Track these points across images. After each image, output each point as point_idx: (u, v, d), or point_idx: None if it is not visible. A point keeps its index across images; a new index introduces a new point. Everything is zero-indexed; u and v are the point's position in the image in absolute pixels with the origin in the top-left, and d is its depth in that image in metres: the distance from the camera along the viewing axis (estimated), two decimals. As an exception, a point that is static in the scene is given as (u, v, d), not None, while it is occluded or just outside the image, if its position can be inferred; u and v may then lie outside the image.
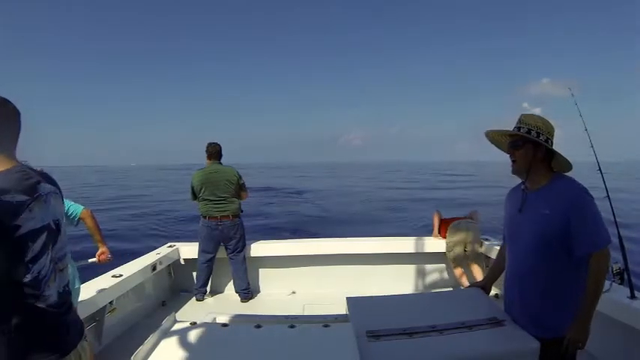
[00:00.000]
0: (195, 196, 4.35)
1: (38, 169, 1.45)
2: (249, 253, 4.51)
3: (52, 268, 1.32)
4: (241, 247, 4.38)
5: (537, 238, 1.72)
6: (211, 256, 4.33)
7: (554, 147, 1.76)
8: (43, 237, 1.29)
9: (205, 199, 4.28)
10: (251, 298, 4.40)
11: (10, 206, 1.20)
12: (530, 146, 1.76)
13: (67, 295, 1.40)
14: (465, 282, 4.15)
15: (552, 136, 1.78)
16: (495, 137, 1.94)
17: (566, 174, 1.81)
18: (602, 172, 2.46)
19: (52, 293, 1.30)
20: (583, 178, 1.81)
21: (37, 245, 1.26)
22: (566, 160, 1.77)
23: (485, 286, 2.10)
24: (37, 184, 1.34)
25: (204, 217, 4.31)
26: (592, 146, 2.52)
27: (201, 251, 4.35)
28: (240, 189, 4.40)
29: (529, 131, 1.76)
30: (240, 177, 4.39)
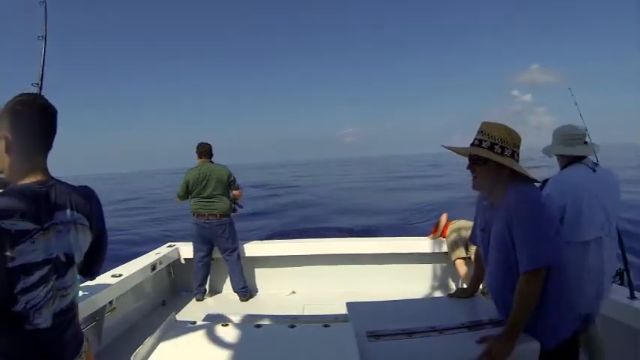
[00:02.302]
0: (186, 194, 4.37)
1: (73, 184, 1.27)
2: (249, 253, 4.51)
3: (51, 296, 1.17)
4: (232, 247, 4.36)
5: (500, 257, 1.64)
6: (204, 254, 4.34)
7: (520, 156, 1.63)
8: (43, 271, 1.13)
9: (195, 197, 4.32)
10: (250, 297, 4.40)
11: (5, 235, 1.04)
12: (492, 163, 1.59)
13: (65, 314, 1.26)
14: (464, 269, 4.11)
15: (518, 147, 1.63)
16: (454, 148, 1.74)
17: (527, 182, 1.64)
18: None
19: (45, 318, 1.16)
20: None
21: (32, 279, 1.11)
22: (531, 176, 1.63)
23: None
24: (57, 210, 1.16)
25: (194, 214, 4.34)
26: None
27: (194, 250, 4.38)
28: (231, 187, 4.41)
29: (492, 145, 1.59)
30: (231, 176, 4.40)
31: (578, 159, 2.25)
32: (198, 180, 4.28)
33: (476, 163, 1.64)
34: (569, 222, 2.10)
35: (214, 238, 4.32)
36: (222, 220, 4.30)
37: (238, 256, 4.39)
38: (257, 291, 4.56)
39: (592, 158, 2.33)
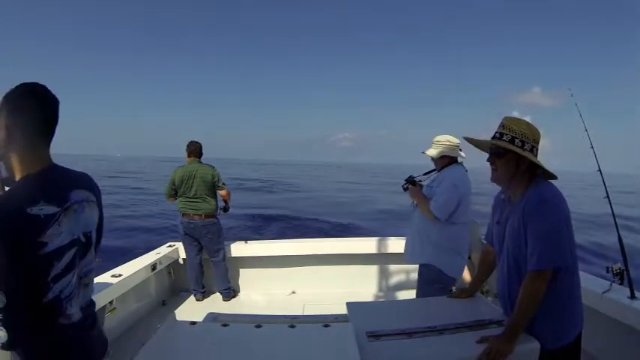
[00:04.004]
0: (174, 192, 4.37)
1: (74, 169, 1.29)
2: (249, 253, 4.51)
3: (78, 284, 1.20)
4: (217, 247, 4.34)
5: (512, 253, 1.65)
6: (194, 253, 4.34)
7: (539, 153, 1.65)
8: (71, 253, 1.15)
9: (181, 197, 4.33)
10: (233, 297, 4.39)
11: (37, 221, 1.06)
12: (512, 156, 1.63)
13: (90, 309, 1.30)
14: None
15: (538, 143, 1.65)
16: (475, 139, 1.80)
17: (548, 181, 1.67)
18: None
19: (75, 311, 1.19)
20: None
21: (63, 263, 1.12)
22: (550, 172, 1.65)
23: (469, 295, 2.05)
24: (70, 191, 1.19)
25: (181, 214, 4.35)
26: (592, 146, 2.52)
27: (185, 249, 4.39)
28: (215, 188, 4.40)
29: (512, 139, 1.62)
30: (215, 176, 4.37)
31: (456, 160, 2.85)
32: (184, 179, 4.27)
33: (496, 155, 1.67)
34: (462, 208, 2.69)
35: (200, 237, 4.32)
36: (207, 220, 4.28)
37: (224, 256, 4.37)
38: (257, 291, 4.55)
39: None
